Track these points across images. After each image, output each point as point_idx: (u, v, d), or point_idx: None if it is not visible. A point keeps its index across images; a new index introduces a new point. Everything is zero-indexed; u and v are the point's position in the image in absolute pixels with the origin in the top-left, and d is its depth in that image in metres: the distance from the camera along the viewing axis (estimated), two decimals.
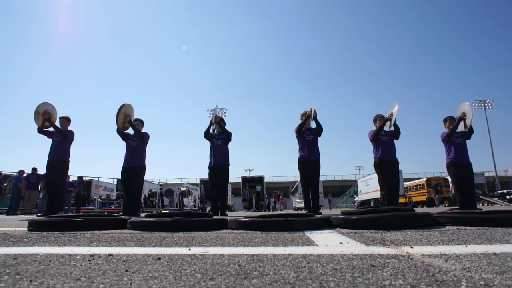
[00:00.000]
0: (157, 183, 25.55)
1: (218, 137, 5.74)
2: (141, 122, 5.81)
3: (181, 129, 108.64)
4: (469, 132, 5.34)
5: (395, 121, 5.28)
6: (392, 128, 5.33)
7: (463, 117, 5.31)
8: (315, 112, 5.32)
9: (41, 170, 9.86)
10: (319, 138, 5.50)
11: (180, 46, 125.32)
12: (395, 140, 5.46)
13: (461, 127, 5.42)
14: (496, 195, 23.74)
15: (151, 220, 2.44)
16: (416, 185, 26.99)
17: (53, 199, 5.54)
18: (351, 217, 2.37)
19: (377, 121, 5.51)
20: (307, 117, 5.41)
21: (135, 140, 5.61)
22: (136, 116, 5.80)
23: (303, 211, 6.39)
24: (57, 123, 5.68)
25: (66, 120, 5.75)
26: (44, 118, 5.51)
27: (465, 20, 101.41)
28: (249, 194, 26.12)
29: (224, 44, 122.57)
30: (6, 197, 11.83)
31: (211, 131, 5.72)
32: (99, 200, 17.03)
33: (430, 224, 2.42)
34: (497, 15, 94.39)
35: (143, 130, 5.82)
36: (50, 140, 5.68)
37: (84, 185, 15.94)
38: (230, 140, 5.87)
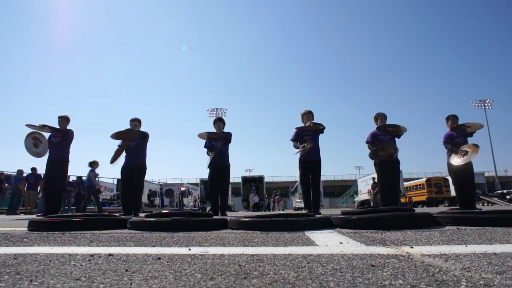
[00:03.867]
0: (157, 183, 25.55)
1: (217, 139, 5.71)
2: (139, 122, 5.81)
3: (182, 129, 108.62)
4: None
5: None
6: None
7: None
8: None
9: (41, 170, 9.90)
10: (320, 138, 5.47)
11: (180, 46, 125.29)
12: (397, 139, 5.46)
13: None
14: (496, 195, 23.73)
15: (151, 220, 2.44)
16: (416, 185, 26.99)
17: (52, 199, 5.54)
18: (351, 217, 2.37)
19: (378, 120, 5.50)
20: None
21: (134, 140, 5.61)
22: (134, 115, 5.82)
23: (304, 211, 6.39)
24: (56, 123, 5.69)
25: (65, 120, 5.74)
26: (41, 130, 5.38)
27: (465, 20, 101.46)
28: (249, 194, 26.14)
29: (224, 44, 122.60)
30: (7, 197, 11.84)
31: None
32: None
33: (430, 224, 2.42)
34: (497, 15, 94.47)
35: (142, 129, 5.81)
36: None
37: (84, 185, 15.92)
38: (230, 142, 5.84)
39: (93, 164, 10.38)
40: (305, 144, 5.23)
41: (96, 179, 10.62)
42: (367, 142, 5.50)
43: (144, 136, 5.65)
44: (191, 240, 1.76)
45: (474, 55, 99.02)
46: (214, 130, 5.80)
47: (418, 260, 1.07)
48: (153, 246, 1.54)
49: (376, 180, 16.69)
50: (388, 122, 5.48)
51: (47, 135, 5.59)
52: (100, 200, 17.44)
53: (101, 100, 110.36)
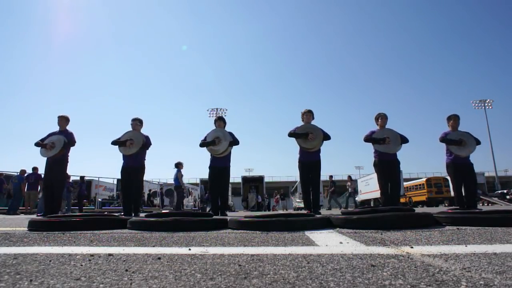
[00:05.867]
0: (157, 183, 25.52)
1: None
2: (140, 121, 5.80)
3: (182, 129, 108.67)
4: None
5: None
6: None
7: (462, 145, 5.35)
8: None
9: (42, 170, 9.89)
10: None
11: (180, 46, 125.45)
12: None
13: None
14: (496, 195, 23.69)
15: (151, 220, 2.44)
16: (416, 185, 26.97)
17: (52, 198, 5.54)
18: (351, 217, 2.37)
19: (379, 120, 5.49)
20: (298, 136, 5.27)
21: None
22: (135, 115, 5.81)
23: (304, 211, 6.38)
24: (55, 123, 5.69)
25: (64, 119, 5.73)
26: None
27: (465, 20, 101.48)
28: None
29: (224, 43, 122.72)
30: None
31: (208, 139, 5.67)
32: (99, 200, 17.08)
33: (430, 224, 2.42)
34: (497, 15, 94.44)
35: (143, 131, 5.81)
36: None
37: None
38: (236, 144, 5.82)
39: (179, 165, 10.41)
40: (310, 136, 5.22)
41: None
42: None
43: (146, 146, 5.64)
44: (191, 240, 1.76)
45: (474, 55, 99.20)
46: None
47: (418, 260, 1.07)
48: (153, 246, 1.54)
49: (334, 178, 15.63)
50: (388, 122, 5.48)
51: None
52: (100, 200, 17.52)
53: (101, 100, 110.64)
